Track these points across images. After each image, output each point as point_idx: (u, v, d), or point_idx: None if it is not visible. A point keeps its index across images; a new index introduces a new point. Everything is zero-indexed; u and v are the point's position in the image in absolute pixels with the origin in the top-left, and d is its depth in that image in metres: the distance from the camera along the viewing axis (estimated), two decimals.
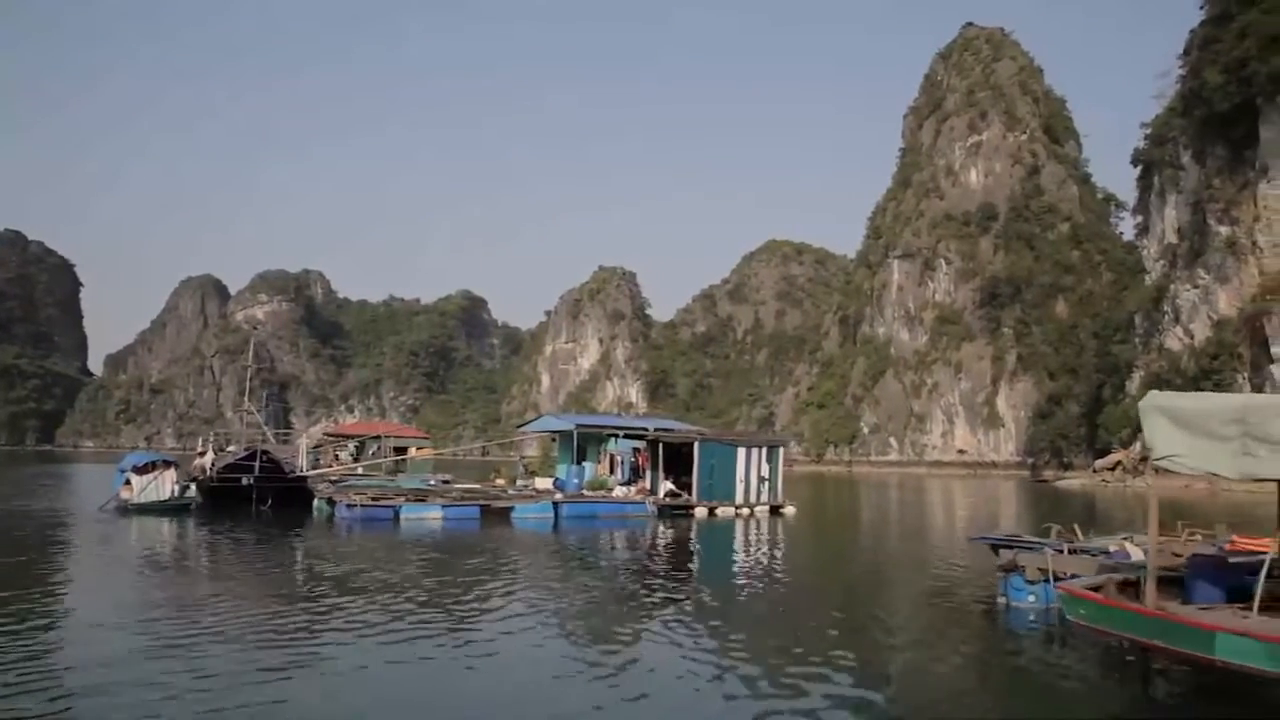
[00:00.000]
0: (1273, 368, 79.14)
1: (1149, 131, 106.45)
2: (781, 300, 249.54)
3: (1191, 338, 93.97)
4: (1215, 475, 7.59)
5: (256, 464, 29.55)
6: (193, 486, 29.28)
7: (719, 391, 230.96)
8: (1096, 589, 8.42)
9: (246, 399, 42.97)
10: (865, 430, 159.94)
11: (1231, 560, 9.43)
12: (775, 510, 32.56)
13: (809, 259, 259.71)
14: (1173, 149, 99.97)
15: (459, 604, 12.77)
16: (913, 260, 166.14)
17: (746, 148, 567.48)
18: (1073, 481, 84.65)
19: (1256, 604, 7.59)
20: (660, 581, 16.08)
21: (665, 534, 25.09)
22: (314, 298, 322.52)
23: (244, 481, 29.14)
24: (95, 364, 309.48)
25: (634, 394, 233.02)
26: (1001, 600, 12.78)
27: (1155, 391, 8.41)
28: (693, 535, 25.30)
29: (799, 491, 60.74)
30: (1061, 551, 12.72)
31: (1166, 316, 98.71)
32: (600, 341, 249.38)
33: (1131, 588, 8.92)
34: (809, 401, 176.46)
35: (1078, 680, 9.26)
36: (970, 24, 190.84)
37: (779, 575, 17.59)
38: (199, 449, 36.35)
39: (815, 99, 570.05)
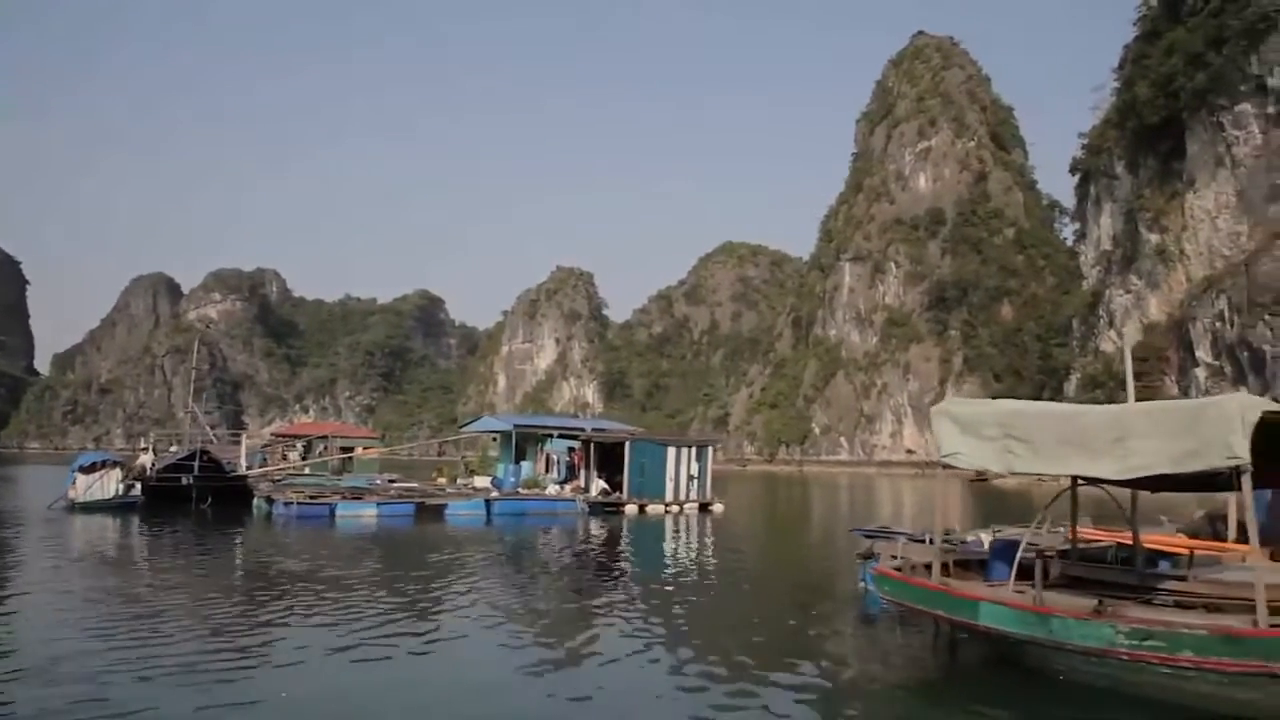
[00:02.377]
0: (1197, 370, 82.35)
1: (1086, 141, 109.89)
2: (737, 302, 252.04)
3: (1124, 341, 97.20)
4: (986, 470, 8.99)
5: (196, 464, 30.30)
6: (137, 486, 29.98)
7: (675, 392, 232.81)
8: (899, 569, 9.82)
9: (190, 399, 43.29)
10: (816, 430, 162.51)
11: (1026, 545, 10.92)
12: (704, 508, 33.91)
13: (765, 261, 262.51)
14: (1108, 159, 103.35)
15: (387, 596, 13.64)
16: (863, 263, 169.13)
17: (704, 150, 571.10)
18: (1009, 481, 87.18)
19: (1011, 579, 9.01)
20: (577, 575, 17.33)
21: (593, 530, 26.27)
22: (269, 296, 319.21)
23: (184, 481, 29.89)
24: (42, 364, 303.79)
25: (590, 394, 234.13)
26: (861, 585, 14.17)
27: (944, 401, 9.84)
28: (622, 531, 26.47)
29: (744, 490, 62.38)
30: (922, 541, 14.14)
31: (1101, 320, 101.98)
32: (557, 342, 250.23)
33: (943, 569, 10.34)
34: (762, 402, 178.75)
35: (895, 648, 10.58)
36: (921, 32, 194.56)
37: (692, 567, 18.87)
38: (140, 448, 36.96)
39: (773, 102, 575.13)
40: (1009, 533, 15.35)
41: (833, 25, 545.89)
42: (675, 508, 33.06)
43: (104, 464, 29.59)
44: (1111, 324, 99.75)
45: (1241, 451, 7.14)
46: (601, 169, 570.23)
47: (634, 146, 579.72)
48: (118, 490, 28.77)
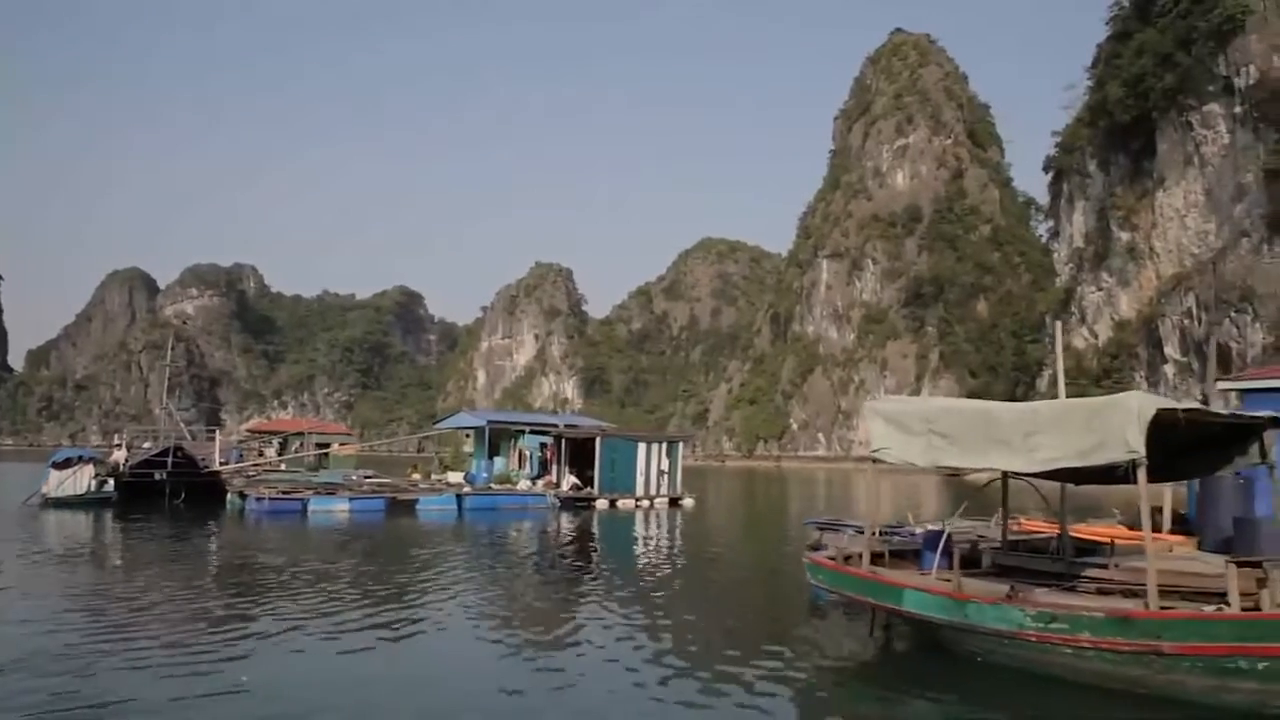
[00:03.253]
0: (1166, 367, 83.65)
1: (1059, 140, 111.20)
2: (717, 298, 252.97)
3: (1096, 337, 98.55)
4: (912, 464, 9.50)
5: (169, 460, 30.53)
6: (110, 482, 30.16)
7: (654, 388, 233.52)
8: (834, 559, 10.32)
9: (165, 396, 43.40)
10: (794, 426, 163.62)
11: (963, 535, 11.46)
12: (674, 502, 34.44)
13: (744, 257, 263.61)
14: (1080, 157, 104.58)
15: (358, 590, 13.94)
16: (841, 260, 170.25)
17: (684, 146, 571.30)
18: (982, 474, 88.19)
19: (935, 568, 9.52)
20: (544, 568, 17.78)
21: (563, 524, 26.71)
22: (246, 292, 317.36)
23: (157, 477, 30.11)
24: (16, 360, 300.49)
25: (569, 390, 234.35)
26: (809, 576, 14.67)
27: (873, 400, 10.34)
28: (592, 525, 26.93)
29: (720, 486, 62.92)
30: (875, 534, 14.66)
31: (1074, 317, 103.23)
32: (536, 337, 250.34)
33: (879, 558, 10.85)
34: (741, 398, 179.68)
35: (834, 635, 11.07)
36: (899, 30, 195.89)
37: (656, 560, 19.37)
38: (114, 444, 37.10)
39: (754, 99, 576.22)
40: (961, 525, 15.95)
41: (814, 23, 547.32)
42: (646, 502, 33.57)
43: (78, 460, 29.79)
44: (1084, 320, 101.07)
45: (1138, 446, 7.66)
46: (582, 165, 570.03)
47: (615, 143, 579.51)
48: (90, 486, 28.97)
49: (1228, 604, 7.64)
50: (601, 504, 32.42)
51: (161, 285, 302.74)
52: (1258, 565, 7.95)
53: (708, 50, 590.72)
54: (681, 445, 36.88)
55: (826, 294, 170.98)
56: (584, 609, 12.79)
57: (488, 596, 13.82)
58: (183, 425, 43.76)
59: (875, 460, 9.88)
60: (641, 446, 34.26)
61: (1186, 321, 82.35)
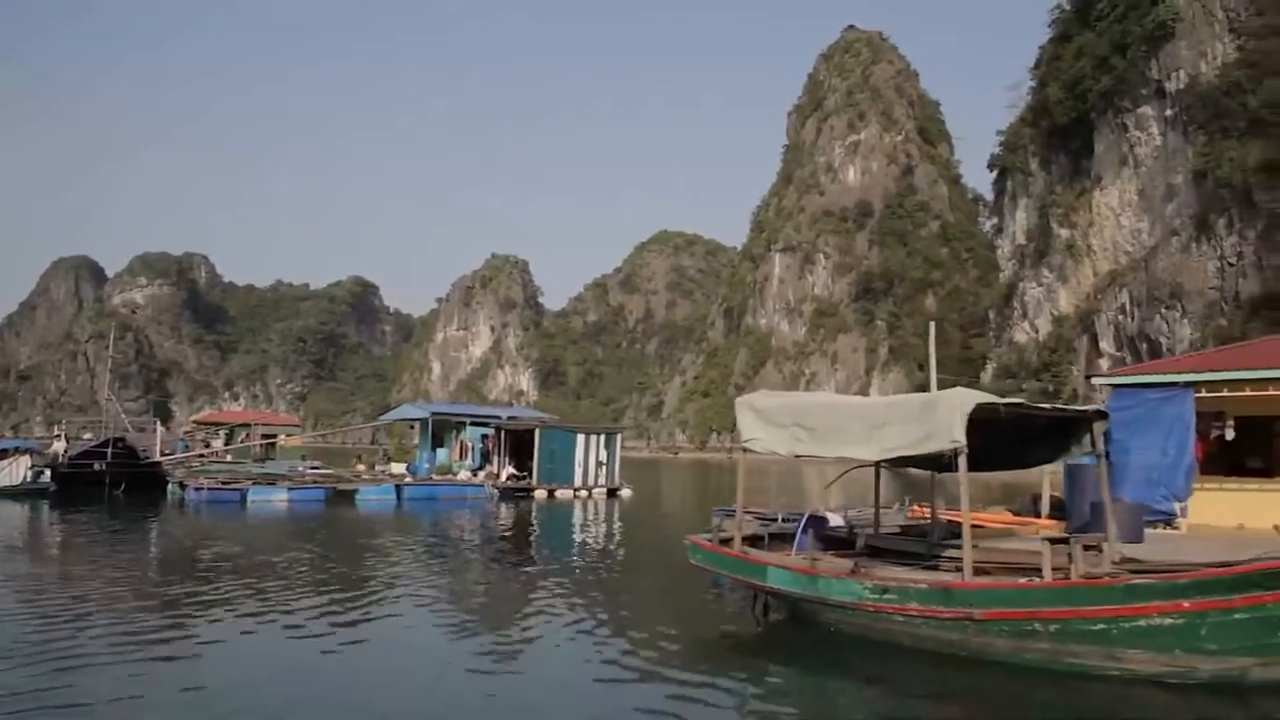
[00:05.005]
0: (1101, 361, 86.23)
1: (1003, 138, 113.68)
2: (672, 291, 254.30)
3: (1036, 332, 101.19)
4: (777, 454, 10.47)
5: (109, 451, 30.81)
6: (47, 472, 30.36)
7: (610, 380, 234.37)
8: (710, 540, 11.28)
9: (107, 387, 43.40)
10: None
11: (831, 521, 12.58)
12: (612, 493, 35.38)
13: (700, 250, 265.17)
14: (1023, 156, 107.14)
15: (292, 579, 14.50)
16: (793, 254, 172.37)
17: (640, 138, 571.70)
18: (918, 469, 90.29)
19: (795, 548, 10.52)
20: (472, 555, 18.59)
21: (500, 514, 27.50)
22: (197, 281, 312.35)
23: (96, 467, 30.38)
24: None
25: (525, 382, 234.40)
26: None
27: (745, 395, 11.30)
28: (530, 515, 27.71)
29: (669, 477, 64.06)
30: (774, 519, 15.66)
31: (1016, 312, 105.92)
32: (492, 329, 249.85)
33: (758, 541, 11.83)
34: (694, 390, 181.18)
35: (723, 611, 12.01)
36: (852, 26, 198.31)
37: (581, 545, 20.27)
38: (53, 435, 37.20)
39: (711, 93, 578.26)
40: (854, 511, 17.13)
41: (770, 15, 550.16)
42: (584, 493, 34.45)
43: (14, 451, 29.98)
44: (1025, 315, 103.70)
45: (960, 436, 8.66)
46: (537, 157, 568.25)
47: (571, 135, 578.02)
48: (26, 477, 29.18)
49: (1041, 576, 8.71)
50: (540, 494, 33.24)
51: (109, 274, 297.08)
52: (1065, 541, 9.02)
53: (667, 44, 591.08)
54: (619, 437, 37.84)
55: (779, 288, 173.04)
56: (488, 592, 13.64)
57: (421, 582, 14.46)
58: (124, 416, 43.74)
59: (746, 451, 10.84)
60: (580, 438, 35.14)
61: (1121, 317, 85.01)
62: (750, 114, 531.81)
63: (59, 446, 32.44)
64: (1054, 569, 8.75)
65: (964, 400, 8.80)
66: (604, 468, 35.60)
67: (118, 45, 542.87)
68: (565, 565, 16.69)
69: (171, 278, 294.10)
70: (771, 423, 10.50)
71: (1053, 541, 9.19)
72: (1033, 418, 10.14)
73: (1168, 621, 7.57)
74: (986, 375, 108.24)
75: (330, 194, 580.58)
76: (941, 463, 9.93)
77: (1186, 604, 7.50)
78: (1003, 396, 10.81)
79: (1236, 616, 7.39)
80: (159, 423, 43.09)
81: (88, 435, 37.15)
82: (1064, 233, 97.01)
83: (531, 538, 22.58)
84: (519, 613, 11.75)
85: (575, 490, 34.24)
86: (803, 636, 10.01)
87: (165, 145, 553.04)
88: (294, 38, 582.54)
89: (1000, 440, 10.29)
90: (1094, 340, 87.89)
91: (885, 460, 9.98)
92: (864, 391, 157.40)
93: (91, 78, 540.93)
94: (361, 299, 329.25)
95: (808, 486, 57.34)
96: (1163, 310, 78.08)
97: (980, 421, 9.08)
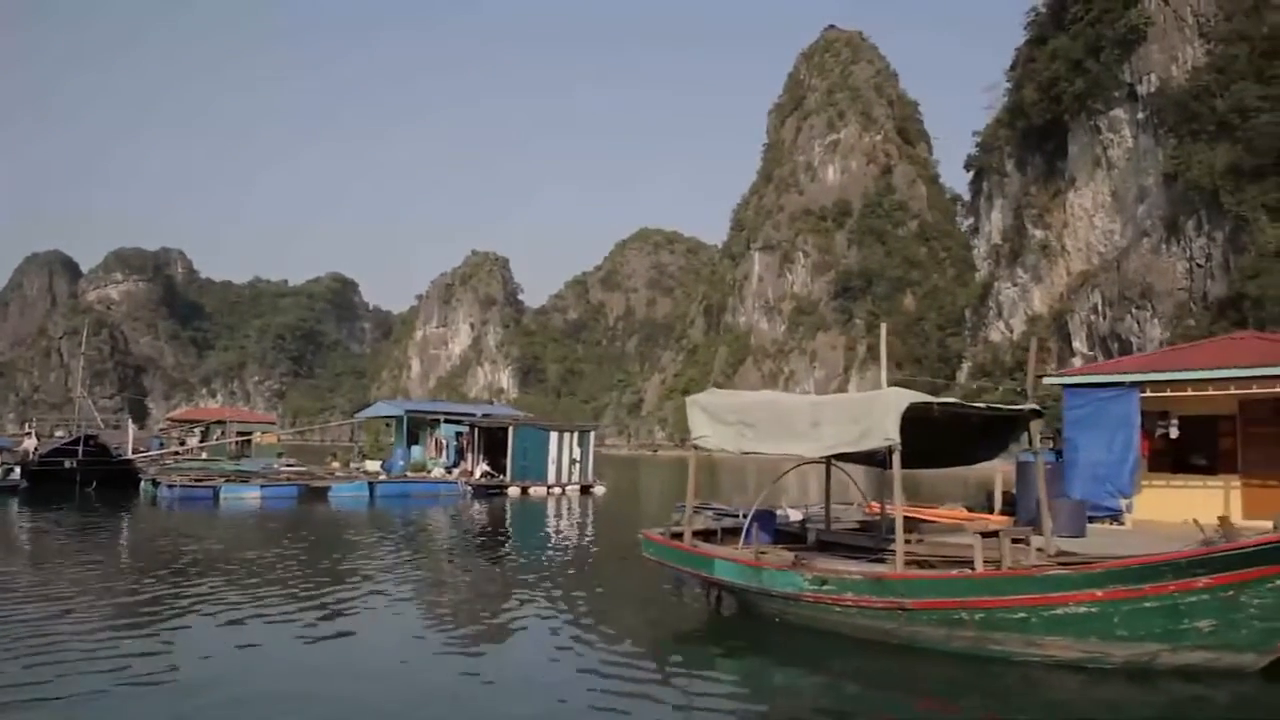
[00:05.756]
0: (1074, 360, 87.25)
1: (980, 139, 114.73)
2: (652, 288, 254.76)
3: (1011, 331, 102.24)
4: (725, 450, 10.84)
5: (81, 448, 30.84)
6: (17, 470, 30.35)
7: (590, 377, 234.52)
8: (662, 534, 11.64)
9: (80, 384, 43.32)
10: None
11: (792, 516, 12.93)
12: (585, 490, 35.70)
13: (680, 248, 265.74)
14: (999, 157, 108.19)
15: (263, 576, 14.78)
16: (773, 253, 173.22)
17: (623, 136, 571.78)
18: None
19: (741, 541, 10.88)
20: (440, 551, 18.87)
21: (473, 511, 27.75)
22: (174, 277, 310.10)
23: (67, 465, 30.42)
24: None
25: (505, 380, 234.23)
26: None
27: (695, 394, 11.66)
28: (504, 512, 27.95)
29: (646, 475, 64.27)
30: (735, 515, 16.01)
31: (991, 311, 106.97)
32: (471, 327, 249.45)
33: (711, 535, 12.20)
34: (674, 388, 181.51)
35: (680, 603, 12.38)
36: (832, 26, 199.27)
37: (548, 541, 20.58)
38: (24, 432, 37.12)
39: (694, 91, 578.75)
40: (814, 508, 17.50)
41: (753, 15, 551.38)
42: (557, 490, 34.74)
43: None
44: (1000, 314, 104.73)
45: (893, 434, 9.05)
46: (518, 154, 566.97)
47: (552, 133, 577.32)
48: None
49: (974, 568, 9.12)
50: (514, 491, 33.49)
51: (84, 269, 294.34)
52: (995, 535, 9.45)
53: (651, 41, 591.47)
54: (592, 435, 38.17)
55: (758, 286, 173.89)
56: (455, 588, 13.94)
57: (388, 579, 14.68)
58: (96, 414, 43.69)
59: (696, 448, 11.20)
60: (553, 436, 35.43)
61: (1093, 317, 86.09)
62: (732, 112, 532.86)
63: (30, 444, 32.40)
64: (986, 561, 9.18)
65: (897, 399, 9.18)
66: (577, 465, 35.91)
67: (90, 40, 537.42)
68: (533, 560, 17.01)
69: (148, 273, 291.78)
70: (718, 421, 10.86)
71: (984, 535, 9.62)
72: (968, 417, 10.55)
73: (1083, 610, 7.99)
74: (962, 373, 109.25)
75: (309, 190, 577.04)
76: (878, 459, 10.32)
77: (1100, 593, 7.92)
78: (978, 395, 11.25)
79: (1146, 605, 7.81)
80: (131, 420, 42.94)
81: (60, 433, 37.10)
82: (1038, 233, 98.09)
83: (502, 534, 22.85)
84: (486, 609, 12.04)
85: (549, 487, 34.52)
86: (750, 627, 10.38)
87: (142, 140, 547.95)
88: (278, 34, 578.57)
89: (941, 439, 10.70)
90: (1067, 339, 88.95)
91: (826, 457, 10.35)
92: (843, 389, 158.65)
93: (63, 73, 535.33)
94: (341, 296, 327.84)
95: (786, 484, 57.89)
96: (1133, 310, 79.17)
97: (920, 420, 9.49)
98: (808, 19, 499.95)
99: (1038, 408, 10.82)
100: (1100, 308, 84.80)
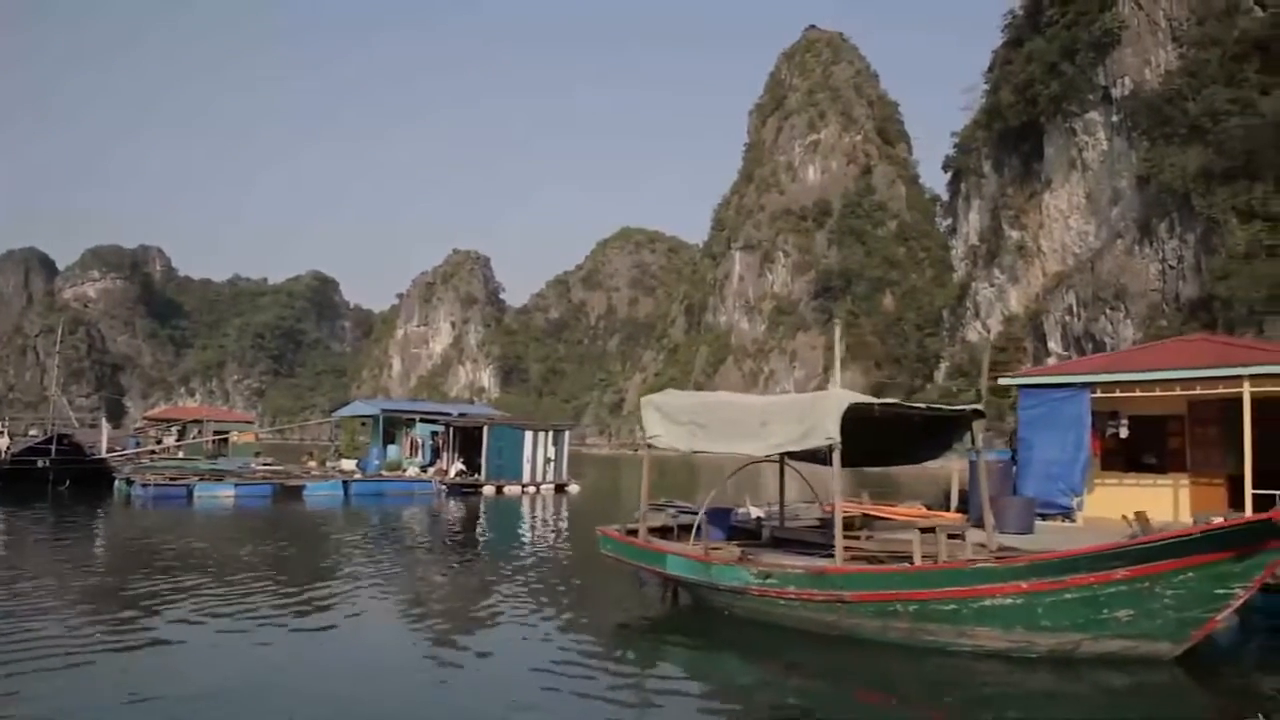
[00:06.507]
0: (1049, 360, 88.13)
1: (958, 140, 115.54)
2: (634, 287, 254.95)
3: (988, 332, 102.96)
4: (677, 449, 11.17)
5: (54, 447, 30.85)
6: None
7: (571, 377, 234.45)
8: (619, 531, 11.97)
9: (54, 383, 43.20)
10: None
11: (754, 514, 13.35)
12: (560, 488, 35.98)
13: (662, 247, 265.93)
14: (977, 158, 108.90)
15: (238, 575, 14.95)
16: (753, 252, 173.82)
17: (605, 134, 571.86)
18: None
19: (693, 537, 11.22)
20: (411, 548, 19.12)
21: (447, 510, 27.98)
22: (152, 275, 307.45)
23: (39, 464, 30.43)
24: None
25: (486, 379, 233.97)
26: None
27: (649, 395, 11.98)
28: (478, 510, 28.17)
29: (624, 474, 64.47)
30: (695, 513, 16.35)
31: (969, 312, 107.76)
32: (453, 325, 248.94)
33: (667, 532, 12.54)
34: (655, 387, 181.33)
35: (641, 597, 12.69)
36: (813, 26, 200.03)
37: (518, 539, 20.86)
38: None
39: (676, 91, 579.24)
40: (795, 506, 17.78)
41: (735, 15, 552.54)
42: (532, 489, 35.01)
43: None
44: (978, 315, 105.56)
45: (834, 433, 9.40)
46: (500, 154, 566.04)
47: (536, 131, 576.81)
48: None
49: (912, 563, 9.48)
50: (488, 490, 33.73)
51: (60, 266, 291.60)
52: (932, 530, 9.83)
53: (634, 39, 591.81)
54: (567, 434, 38.45)
55: (739, 285, 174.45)
56: (425, 585, 14.20)
57: (361, 578, 14.96)
58: (71, 413, 43.61)
59: (650, 447, 11.53)
60: (528, 434, 35.69)
61: (1068, 318, 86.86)
62: (714, 112, 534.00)
63: (2, 443, 32.40)
64: (924, 556, 9.54)
65: (838, 400, 9.54)
66: (552, 464, 36.17)
67: (90, 41, 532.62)
68: (503, 558, 17.27)
69: (125, 271, 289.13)
70: (671, 420, 11.19)
71: (923, 531, 10.00)
72: (910, 417, 10.92)
73: (1009, 601, 8.37)
74: (940, 374, 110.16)
75: (289, 188, 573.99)
76: (820, 457, 10.67)
77: (1024, 585, 8.30)
78: (955, 395, 11.61)
79: (1067, 596, 8.19)
80: (108, 419, 42.88)
81: (34, 432, 37.05)
82: (1015, 234, 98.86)
83: (473, 532, 23.12)
84: (452, 606, 12.34)
85: (523, 486, 34.78)
86: (702, 620, 10.72)
87: (122, 137, 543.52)
88: (278, 34, 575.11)
89: (885, 438, 11.08)
90: (1043, 340, 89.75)
91: (777, 455, 10.69)
92: (822, 388, 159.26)
93: (62, 74, 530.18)
94: (321, 294, 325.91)
95: (763, 483, 58.45)
96: (1107, 311, 79.96)
97: (862, 420, 9.86)
98: (790, 19, 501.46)
99: (980, 408, 11.17)
100: (1075, 308, 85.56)
